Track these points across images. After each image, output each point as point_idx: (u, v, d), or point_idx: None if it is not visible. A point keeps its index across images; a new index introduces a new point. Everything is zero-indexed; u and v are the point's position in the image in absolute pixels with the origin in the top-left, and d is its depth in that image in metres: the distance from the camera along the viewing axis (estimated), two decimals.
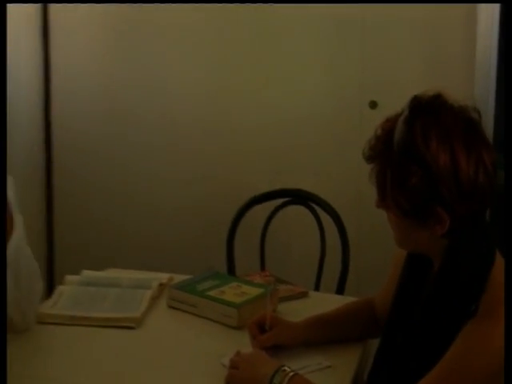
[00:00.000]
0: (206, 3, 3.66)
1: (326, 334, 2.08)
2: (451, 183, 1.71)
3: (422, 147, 1.70)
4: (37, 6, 3.73)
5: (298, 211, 3.21)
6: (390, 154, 1.76)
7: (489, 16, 3.33)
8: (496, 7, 3.33)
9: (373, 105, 3.37)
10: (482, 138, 1.76)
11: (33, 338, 2.31)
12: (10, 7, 3.46)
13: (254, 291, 2.53)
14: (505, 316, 1.58)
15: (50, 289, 2.55)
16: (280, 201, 3.23)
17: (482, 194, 1.74)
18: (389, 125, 1.79)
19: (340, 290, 2.95)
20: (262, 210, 3.24)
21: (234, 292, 2.53)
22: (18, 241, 2.25)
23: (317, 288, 3.01)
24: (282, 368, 1.87)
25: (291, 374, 1.87)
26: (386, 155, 1.78)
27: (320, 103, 3.55)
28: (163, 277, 2.73)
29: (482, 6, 3.32)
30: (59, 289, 2.64)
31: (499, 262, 1.78)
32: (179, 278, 2.69)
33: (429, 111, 1.77)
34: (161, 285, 2.66)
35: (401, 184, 1.75)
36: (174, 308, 2.54)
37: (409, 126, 1.74)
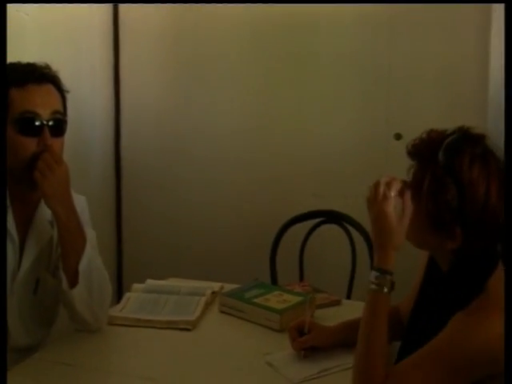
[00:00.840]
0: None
1: (356, 337, 1.98)
2: (478, 213, 1.71)
3: (465, 172, 1.70)
4: (109, 49, 3.77)
5: (331, 229, 3.21)
6: (433, 162, 1.74)
7: (499, 59, 3.20)
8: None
9: (398, 137, 3.37)
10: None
11: (104, 337, 2.35)
12: (86, 43, 3.57)
13: (294, 299, 2.54)
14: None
15: (119, 295, 2.58)
16: (316, 220, 3.24)
17: (498, 229, 1.74)
18: (435, 135, 1.78)
19: None
20: (301, 228, 3.24)
21: (276, 299, 2.54)
22: (90, 253, 2.28)
23: (348, 297, 3.01)
24: None
25: None
26: (430, 162, 1.76)
27: (352, 135, 3.55)
28: (215, 285, 2.75)
29: (493, 51, 3.27)
30: (127, 295, 2.67)
31: (499, 271, 1.76)
32: (229, 286, 2.72)
33: (478, 146, 1.75)
34: (213, 293, 2.68)
35: (435, 193, 1.73)
36: (224, 313, 2.56)
37: (460, 148, 1.73)
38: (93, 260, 2.31)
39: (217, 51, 3.73)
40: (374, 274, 1.84)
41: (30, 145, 2.23)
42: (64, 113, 2.33)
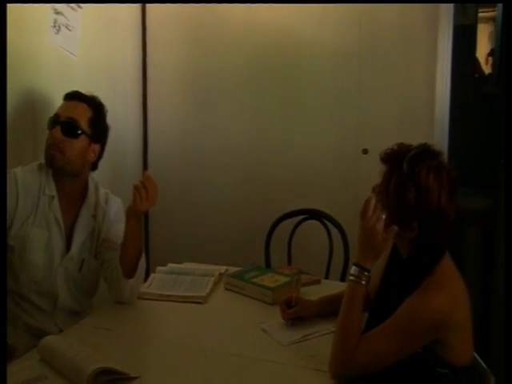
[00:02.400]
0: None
1: (333, 309, 2.06)
2: (431, 211, 1.74)
3: (423, 179, 1.73)
4: (139, 79, 3.78)
5: (313, 224, 3.23)
6: (399, 169, 1.77)
7: (444, 80, 3.31)
8: (448, 76, 3.30)
9: (365, 151, 3.36)
10: (456, 194, 1.78)
11: (135, 308, 2.38)
12: (121, 75, 3.55)
13: (284, 279, 2.56)
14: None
15: (146, 275, 2.61)
16: (301, 217, 3.25)
17: (447, 226, 1.78)
18: (403, 148, 1.81)
19: (342, 279, 2.96)
20: (289, 223, 3.25)
21: (270, 279, 2.55)
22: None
23: (326, 277, 3.01)
24: None
25: None
26: (397, 168, 1.78)
27: (329, 150, 3.52)
28: (222, 268, 2.76)
29: (438, 76, 3.29)
30: (152, 276, 2.69)
31: (445, 259, 1.81)
32: (232, 269, 2.72)
33: (434, 159, 1.78)
34: (220, 274, 2.70)
35: (398, 192, 1.77)
36: (228, 290, 2.58)
37: (419, 161, 1.76)
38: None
39: (224, 82, 3.70)
40: (354, 268, 1.86)
41: (48, 137, 2.36)
42: (87, 126, 2.39)
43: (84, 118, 2.38)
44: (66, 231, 2.38)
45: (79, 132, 2.36)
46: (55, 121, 2.35)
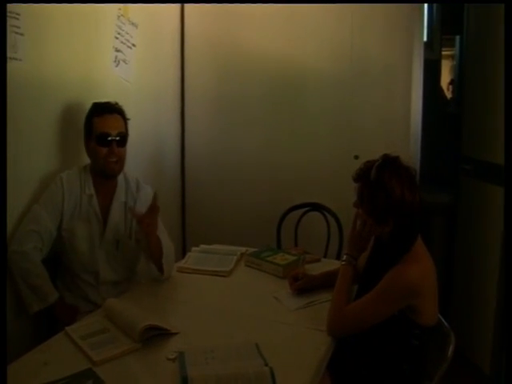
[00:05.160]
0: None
1: (330, 282, 2.06)
2: (398, 205, 1.75)
3: (387, 183, 1.74)
4: (178, 98, 3.75)
5: (315, 215, 3.21)
6: (368, 181, 1.78)
7: (417, 100, 3.27)
8: (420, 98, 3.27)
9: (356, 157, 3.32)
10: (416, 185, 1.79)
11: (174, 279, 2.37)
12: (164, 95, 3.54)
13: (292, 258, 2.54)
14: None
15: (183, 254, 2.61)
16: (305, 209, 3.24)
17: (414, 214, 1.78)
18: (369, 165, 1.80)
19: (337, 257, 2.92)
20: (296, 214, 3.25)
21: (280, 258, 2.54)
22: (160, 229, 2.30)
23: (325, 256, 2.99)
24: None
25: None
26: (366, 181, 1.78)
27: (326, 155, 3.49)
28: (243, 249, 2.72)
29: (413, 97, 3.25)
30: (188, 254, 2.69)
31: (418, 240, 1.82)
32: (251, 249, 2.69)
33: (393, 164, 1.78)
34: (241, 253, 2.67)
35: (371, 200, 1.78)
36: (248, 266, 2.57)
37: (382, 169, 1.76)
38: (167, 246, 2.31)
39: (244, 99, 3.67)
40: (345, 256, 1.97)
41: (103, 152, 2.29)
42: (126, 132, 2.37)
43: (124, 128, 2.36)
44: (104, 219, 2.37)
45: (126, 140, 2.36)
46: (107, 138, 2.29)
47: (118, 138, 2.30)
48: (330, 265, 2.43)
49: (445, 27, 4.45)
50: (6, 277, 1.73)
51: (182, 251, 3.46)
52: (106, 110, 2.32)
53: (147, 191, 2.46)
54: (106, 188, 2.39)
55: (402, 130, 3.32)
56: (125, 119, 2.37)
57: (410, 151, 3.26)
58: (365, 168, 1.81)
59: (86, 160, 2.42)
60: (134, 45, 3.01)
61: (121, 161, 2.34)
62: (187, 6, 3.70)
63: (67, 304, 2.28)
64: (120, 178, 2.44)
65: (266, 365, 1.53)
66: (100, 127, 2.30)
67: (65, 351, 1.68)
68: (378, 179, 1.75)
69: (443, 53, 4.64)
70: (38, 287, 2.17)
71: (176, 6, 3.65)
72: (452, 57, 4.77)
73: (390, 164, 1.79)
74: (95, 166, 2.36)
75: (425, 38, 3.65)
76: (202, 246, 2.79)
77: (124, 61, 2.93)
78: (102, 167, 2.33)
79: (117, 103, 2.37)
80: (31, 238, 2.19)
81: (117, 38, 2.84)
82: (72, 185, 2.31)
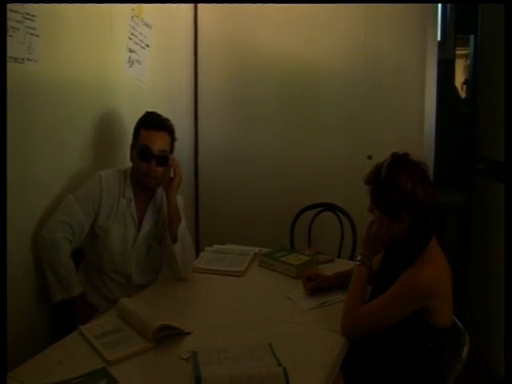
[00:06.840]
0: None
1: (344, 282, 2.06)
2: (411, 200, 1.74)
3: (398, 179, 1.73)
4: (191, 101, 3.75)
5: (328, 215, 3.21)
6: (379, 181, 1.78)
7: (431, 101, 3.26)
8: (434, 98, 3.26)
9: (369, 157, 3.31)
10: (428, 180, 1.78)
11: (191, 280, 2.37)
12: (178, 97, 3.54)
13: (305, 258, 2.54)
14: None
15: (197, 254, 2.62)
16: (319, 209, 3.23)
17: (427, 210, 1.78)
18: (378, 166, 1.81)
19: (351, 258, 2.92)
20: (309, 214, 3.24)
21: (294, 258, 2.53)
22: (184, 227, 2.33)
23: (339, 256, 2.99)
24: None
25: None
26: (377, 182, 1.79)
27: (340, 155, 3.47)
28: (256, 249, 2.73)
29: (427, 98, 3.25)
30: (202, 254, 2.69)
31: (432, 241, 1.81)
32: (264, 250, 2.69)
33: (402, 161, 1.79)
34: (255, 253, 2.67)
35: (384, 198, 1.77)
36: (261, 266, 2.57)
37: (392, 167, 1.77)
38: (186, 231, 2.35)
39: (258, 102, 3.67)
40: (360, 256, 1.94)
41: (143, 166, 2.28)
42: (169, 151, 2.34)
43: (169, 147, 2.33)
44: (139, 223, 2.39)
45: (169, 161, 2.32)
46: (149, 154, 2.26)
47: (158, 156, 2.27)
48: (343, 265, 2.42)
49: (459, 26, 4.43)
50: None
51: (196, 251, 3.48)
52: (153, 125, 2.28)
53: (180, 200, 2.47)
54: (145, 194, 2.40)
55: (416, 129, 3.30)
56: (172, 138, 2.34)
57: (424, 151, 3.24)
58: (375, 170, 1.82)
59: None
60: (147, 45, 3.02)
61: (159, 178, 2.32)
62: (200, 5, 3.72)
63: (88, 301, 2.30)
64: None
65: (280, 365, 1.52)
66: (143, 139, 2.28)
67: (79, 350, 1.69)
68: (389, 177, 1.76)
69: (457, 52, 4.63)
70: (63, 277, 2.21)
71: (189, 6, 3.66)
72: (466, 56, 4.75)
73: (399, 161, 1.79)
74: (135, 174, 2.36)
75: (439, 38, 3.65)
76: (216, 246, 2.79)
77: (138, 61, 2.94)
78: (140, 180, 2.34)
79: (168, 120, 2.34)
80: (62, 229, 2.21)
81: (130, 38, 2.85)
82: (110, 185, 2.32)
